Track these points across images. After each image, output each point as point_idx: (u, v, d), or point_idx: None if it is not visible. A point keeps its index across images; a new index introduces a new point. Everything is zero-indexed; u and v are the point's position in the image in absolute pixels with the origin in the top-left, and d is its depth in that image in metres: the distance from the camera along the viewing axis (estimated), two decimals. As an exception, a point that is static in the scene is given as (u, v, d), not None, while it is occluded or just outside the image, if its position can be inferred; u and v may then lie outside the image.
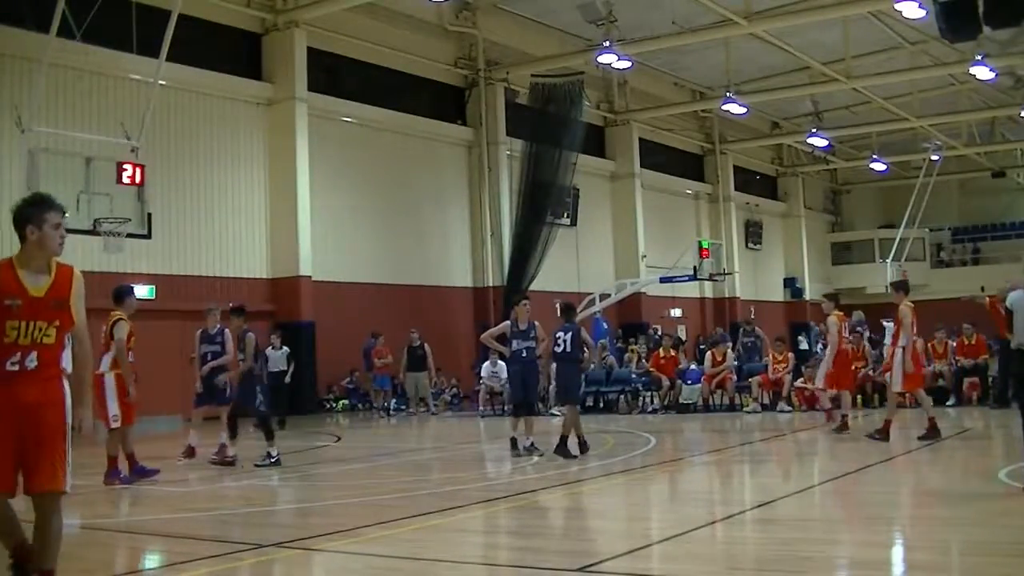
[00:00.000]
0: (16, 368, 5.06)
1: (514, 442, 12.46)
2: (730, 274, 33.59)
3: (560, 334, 12.45)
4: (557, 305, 14.81)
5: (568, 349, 12.43)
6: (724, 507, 9.01)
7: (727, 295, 37.87)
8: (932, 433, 12.52)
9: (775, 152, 44.16)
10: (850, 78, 30.02)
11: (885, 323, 26.08)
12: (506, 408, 19.37)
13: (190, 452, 12.99)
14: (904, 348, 12.70)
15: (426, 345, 22.39)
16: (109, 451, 10.75)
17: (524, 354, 12.56)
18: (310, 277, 23.53)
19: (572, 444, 12.16)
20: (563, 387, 13.51)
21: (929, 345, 19.00)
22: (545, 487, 10.17)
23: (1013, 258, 40.86)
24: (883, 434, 12.57)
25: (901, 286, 13.24)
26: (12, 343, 5.05)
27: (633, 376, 21.38)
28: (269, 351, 19.22)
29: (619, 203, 34.16)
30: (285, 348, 19.47)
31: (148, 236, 18.48)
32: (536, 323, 12.81)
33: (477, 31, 28.25)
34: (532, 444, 12.29)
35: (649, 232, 34.22)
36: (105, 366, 10.66)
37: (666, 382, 20.25)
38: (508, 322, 12.86)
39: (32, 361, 5.09)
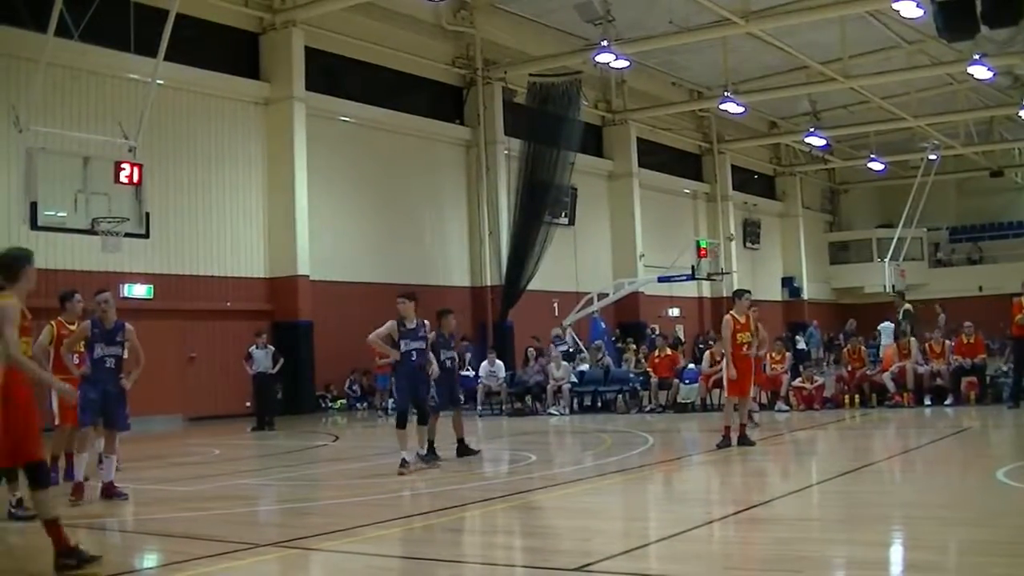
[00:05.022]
0: None
1: (403, 462, 10.89)
2: (728, 273, 33.57)
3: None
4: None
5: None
6: (722, 507, 9.01)
7: (725, 294, 37.84)
8: (726, 442, 12.49)
9: (773, 151, 44.19)
10: (848, 77, 30.03)
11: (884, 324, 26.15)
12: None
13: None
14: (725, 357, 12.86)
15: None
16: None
17: (414, 356, 11.29)
18: (308, 277, 23.52)
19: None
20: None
21: (926, 345, 19.00)
22: (542, 487, 10.18)
23: (1011, 257, 40.96)
24: (726, 439, 12.52)
25: (739, 294, 13.40)
26: None
27: (631, 376, 21.40)
28: (253, 350, 19.22)
29: (617, 202, 34.17)
30: (270, 347, 19.46)
31: (146, 236, 18.45)
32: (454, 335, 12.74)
33: (475, 31, 28.24)
34: (420, 454, 11.33)
35: (647, 231, 34.25)
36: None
37: (654, 381, 20.23)
38: (394, 322, 11.34)
39: None
